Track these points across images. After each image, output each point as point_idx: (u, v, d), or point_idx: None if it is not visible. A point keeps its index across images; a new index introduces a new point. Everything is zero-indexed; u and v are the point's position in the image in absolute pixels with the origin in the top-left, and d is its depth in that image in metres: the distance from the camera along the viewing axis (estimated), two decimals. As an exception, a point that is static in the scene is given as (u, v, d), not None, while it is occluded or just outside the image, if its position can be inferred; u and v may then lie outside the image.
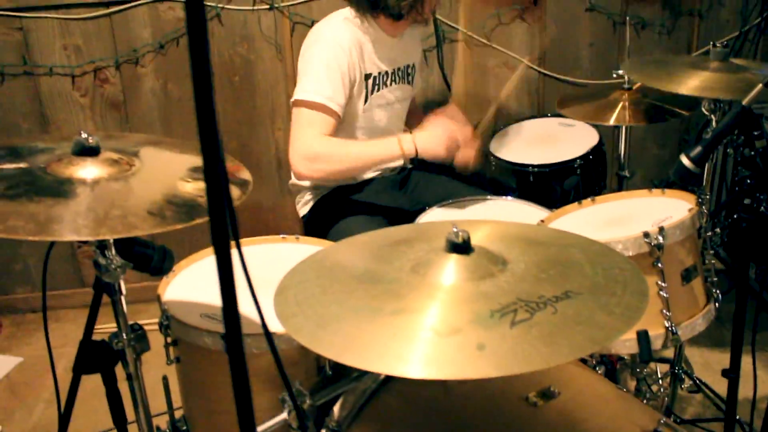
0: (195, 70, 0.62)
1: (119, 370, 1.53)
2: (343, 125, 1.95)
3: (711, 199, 1.81)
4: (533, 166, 2.30)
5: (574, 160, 2.27)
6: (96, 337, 1.53)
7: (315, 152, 1.87)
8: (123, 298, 1.33)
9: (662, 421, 1.22)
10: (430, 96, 2.90)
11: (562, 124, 2.53)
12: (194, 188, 1.27)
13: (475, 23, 2.82)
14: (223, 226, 0.67)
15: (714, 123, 1.76)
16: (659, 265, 1.49)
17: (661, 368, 2.04)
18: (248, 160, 2.85)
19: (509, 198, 2.09)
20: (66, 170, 1.17)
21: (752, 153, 1.45)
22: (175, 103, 2.86)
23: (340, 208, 2.13)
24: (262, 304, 1.64)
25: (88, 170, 1.18)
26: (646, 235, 1.48)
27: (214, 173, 0.65)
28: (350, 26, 1.97)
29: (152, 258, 1.42)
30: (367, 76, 2.01)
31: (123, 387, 1.55)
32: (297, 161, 1.88)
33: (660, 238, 1.47)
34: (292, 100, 1.96)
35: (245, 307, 1.64)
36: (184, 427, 1.70)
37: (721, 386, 2.14)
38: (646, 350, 1.50)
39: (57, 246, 3.13)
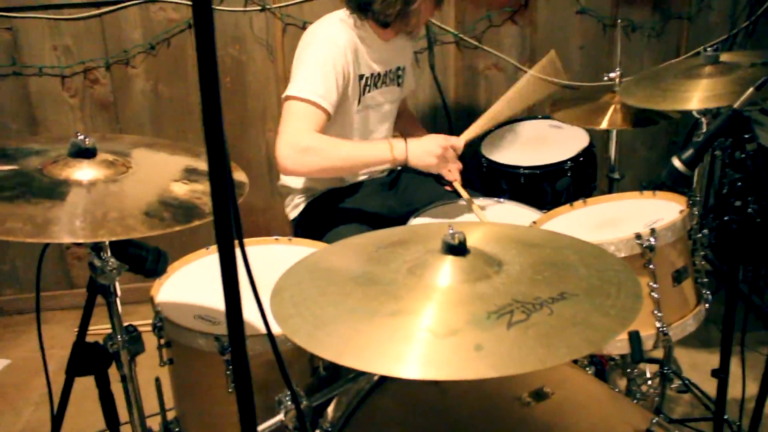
0: (202, 72, 0.63)
1: (112, 371, 1.52)
2: (336, 126, 1.95)
3: (700, 201, 1.82)
4: (524, 167, 2.31)
5: (564, 161, 2.29)
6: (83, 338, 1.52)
7: (303, 146, 1.86)
8: (118, 300, 1.33)
9: (654, 421, 1.23)
10: (422, 98, 2.91)
11: (552, 125, 2.55)
12: (188, 190, 1.27)
13: (466, 25, 2.84)
14: (227, 227, 0.67)
15: (704, 125, 1.78)
16: (651, 266, 1.51)
17: (650, 368, 2.06)
18: (239, 162, 2.79)
19: (501, 200, 2.10)
20: (62, 172, 1.16)
21: (743, 155, 1.46)
22: (165, 104, 2.85)
23: (332, 211, 2.13)
24: (265, 305, 1.65)
25: (84, 172, 1.18)
26: (638, 236, 1.49)
27: (220, 175, 0.65)
28: (345, 27, 1.98)
29: (146, 259, 1.42)
30: (361, 77, 2.02)
31: (114, 388, 1.55)
32: (284, 154, 1.86)
33: (652, 239, 1.49)
34: (283, 95, 1.96)
35: (242, 309, 1.64)
36: (177, 429, 1.70)
37: (709, 386, 2.17)
38: (637, 351, 1.51)
39: (38, 247, 3.13)
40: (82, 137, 1.19)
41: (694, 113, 1.79)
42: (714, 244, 1.87)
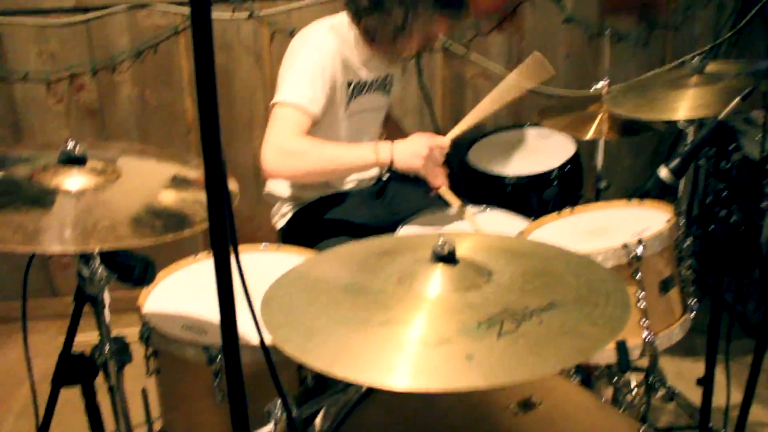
0: (199, 78, 0.63)
1: (98, 382, 1.51)
2: (323, 132, 1.94)
3: (685, 210, 1.84)
4: (510, 176, 2.32)
5: (551, 170, 2.30)
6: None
7: (288, 148, 1.85)
8: (106, 310, 1.32)
9: (641, 430, 1.24)
10: (409, 105, 2.91)
11: (538, 134, 2.56)
12: (179, 198, 1.26)
13: (453, 33, 2.85)
14: (222, 236, 0.67)
15: (690, 136, 1.80)
16: (638, 276, 1.52)
17: (636, 378, 2.07)
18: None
19: (487, 208, 2.10)
20: (52, 180, 1.16)
21: (728, 165, 1.48)
22: (152, 110, 2.84)
23: (319, 221, 2.13)
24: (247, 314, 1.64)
25: (74, 180, 1.17)
26: (626, 246, 1.51)
27: (216, 183, 0.65)
28: (335, 34, 1.98)
29: (134, 268, 1.41)
30: (349, 84, 2.02)
31: (100, 399, 1.54)
32: (269, 156, 1.85)
33: (639, 249, 1.50)
34: (271, 102, 1.95)
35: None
36: (164, 439, 1.69)
37: (693, 395, 2.18)
38: (624, 360, 1.52)
39: (25, 255, 3.09)
40: (72, 144, 1.18)
41: (680, 124, 1.81)
42: (698, 252, 1.89)
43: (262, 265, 1.82)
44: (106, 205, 1.13)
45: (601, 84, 2.17)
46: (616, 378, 1.71)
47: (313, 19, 2.13)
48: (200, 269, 1.83)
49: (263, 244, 1.92)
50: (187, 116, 2.86)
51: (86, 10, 2.70)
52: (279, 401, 1.23)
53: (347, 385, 1.47)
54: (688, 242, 1.64)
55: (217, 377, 1.47)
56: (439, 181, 2.00)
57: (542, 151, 2.47)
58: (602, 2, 2.86)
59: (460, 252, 1.20)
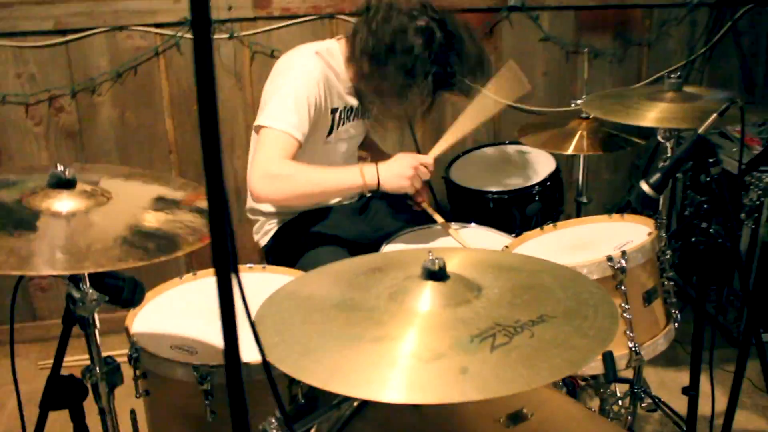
0: (201, 98, 0.64)
1: (87, 404, 1.50)
2: (304, 156, 1.95)
3: (664, 223, 1.87)
4: (492, 192, 2.35)
5: (532, 186, 2.33)
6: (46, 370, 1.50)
7: (275, 172, 1.87)
8: (97, 332, 1.31)
9: (633, 440, 1.26)
10: (389, 123, 2.93)
11: (519, 150, 2.60)
12: (168, 219, 1.27)
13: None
14: (224, 255, 0.68)
15: (669, 150, 1.84)
16: (622, 287, 1.54)
17: (620, 388, 2.09)
18: (208, 189, 2.82)
19: (471, 224, 2.12)
20: (42, 203, 1.16)
21: (708, 179, 1.52)
22: (132, 132, 2.83)
23: (303, 238, 2.14)
24: (241, 333, 1.64)
25: (64, 203, 1.17)
26: (610, 259, 1.53)
27: (218, 204, 0.66)
28: (320, 60, 2.00)
29: (123, 290, 1.41)
30: (334, 110, 2.03)
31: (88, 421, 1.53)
32: (256, 180, 1.87)
33: (623, 261, 1.53)
34: (255, 124, 1.96)
35: (218, 338, 1.63)
36: (153, 461, 1.67)
37: (677, 404, 2.21)
38: (611, 371, 1.54)
39: (6, 279, 3.06)
40: (61, 168, 1.19)
41: (659, 137, 1.84)
42: (677, 264, 1.92)
43: (249, 286, 1.82)
44: (98, 227, 1.14)
45: (580, 101, 2.21)
46: (602, 389, 1.73)
47: (293, 39, 2.15)
48: (186, 290, 1.83)
49: (249, 264, 1.92)
50: (168, 137, 2.86)
51: (65, 32, 2.69)
52: (273, 419, 1.23)
53: (339, 403, 1.47)
54: (668, 254, 1.66)
55: (207, 397, 1.47)
56: (422, 197, 2.03)
57: (523, 167, 2.50)
58: (578, 21, 2.91)
59: (450, 268, 1.21)
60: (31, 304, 3.03)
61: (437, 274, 1.19)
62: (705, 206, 1.52)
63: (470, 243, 2.01)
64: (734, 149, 2.54)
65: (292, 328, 1.15)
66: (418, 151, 2.81)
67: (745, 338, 1.77)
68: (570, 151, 2.18)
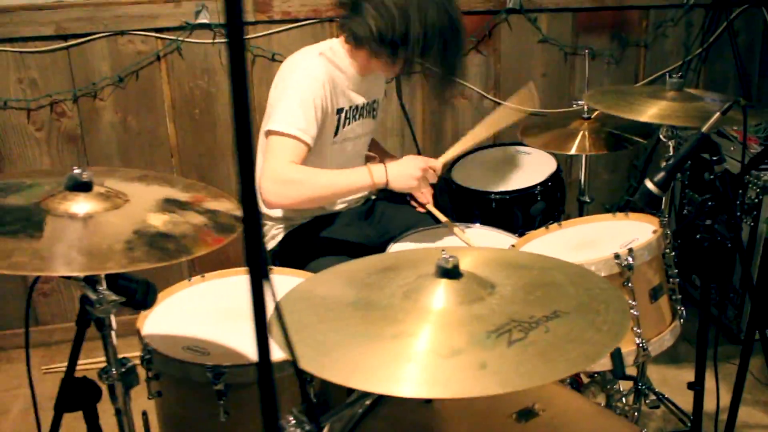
0: (235, 102, 0.65)
1: (100, 406, 1.51)
2: (311, 158, 1.97)
3: (668, 221, 1.90)
4: (495, 192, 2.37)
5: (534, 186, 2.35)
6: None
7: (285, 178, 1.88)
8: (113, 333, 1.32)
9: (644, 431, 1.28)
10: (390, 126, 2.96)
11: (520, 151, 2.62)
12: (183, 221, 1.28)
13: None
14: (257, 258, 0.69)
15: (671, 149, 1.86)
16: (629, 284, 1.57)
17: (623, 385, 2.12)
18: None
19: (476, 225, 2.14)
20: (60, 205, 1.17)
21: (711, 177, 1.54)
22: (134, 136, 2.84)
23: (311, 242, 2.15)
24: (252, 334, 1.65)
25: (82, 205, 1.19)
26: (617, 256, 1.55)
27: (251, 207, 0.68)
28: (324, 61, 2.01)
29: (136, 291, 1.42)
30: (339, 111, 2.05)
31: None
32: (267, 187, 1.89)
33: (630, 258, 1.55)
34: (264, 129, 1.98)
35: (229, 338, 1.65)
36: (166, 462, 1.69)
37: (680, 400, 2.24)
38: (619, 367, 1.56)
39: (8, 284, 3.07)
40: (78, 171, 1.20)
41: (661, 136, 1.87)
42: (677, 263, 1.94)
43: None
44: (117, 228, 1.15)
45: (582, 101, 2.24)
46: (609, 385, 1.75)
47: (294, 43, 2.16)
48: (195, 292, 1.84)
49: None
50: (169, 141, 2.87)
51: (66, 37, 2.70)
52: (290, 417, 1.24)
53: (355, 401, 1.49)
54: (673, 252, 1.69)
55: (221, 397, 1.48)
56: (425, 199, 2.05)
57: (524, 167, 2.52)
58: (576, 22, 2.94)
59: (461, 266, 1.23)
60: (33, 309, 3.03)
61: (451, 272, 1.20)
62: (709, 203, 1.54)
63: (476, 243, 2.03)
64: (732, 148, 2.57)
65: (308, 328, 1.17)
66: (419, 153, 2.85)
67: (748, 334, 1.79)
68: (573, 151, 2.20)
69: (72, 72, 2.74)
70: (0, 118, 2.75)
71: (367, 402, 1.48)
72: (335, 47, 2.07)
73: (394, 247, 2.03)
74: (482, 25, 2.89)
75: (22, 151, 2.80)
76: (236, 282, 1.87)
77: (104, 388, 1.44)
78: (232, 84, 0.67)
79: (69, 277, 1.35)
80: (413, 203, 2.27)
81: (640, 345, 1.58)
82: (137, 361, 1.57)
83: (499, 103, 2.99)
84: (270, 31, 2.78)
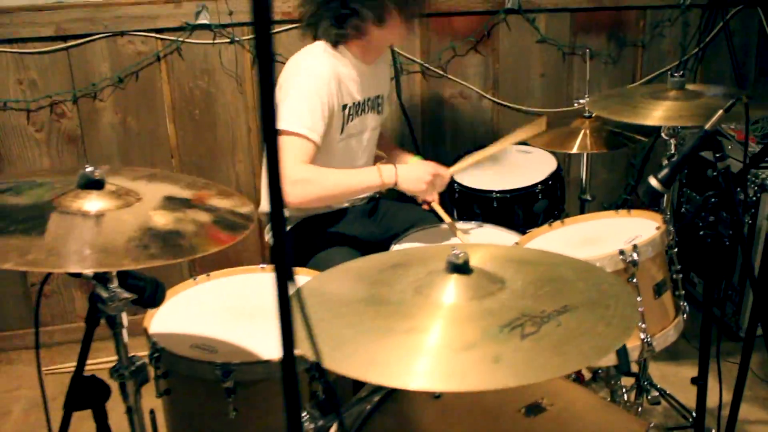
0: (263, 102, 0.66)
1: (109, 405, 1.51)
2: (320, 155, 1.99)
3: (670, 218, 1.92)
4: (496, 191, 2.38)
5: (535, 185, 2.37)
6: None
7: (295, 178, 1.90)
8: (125, 331, 1.33)
9: (652, 425, 1.29)
10: (389, 125, 2.97)
11: (520, 150, 2.63)
12: (194, 219, 1.29)
13: (431, 55, 2.92)
14: (282, 260, 0.70)
15: (672, 147, 1.88)
16: (634, 280, 1.58)
17: (626, 381, 2.13)
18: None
19: (479, 223, 2.16)
20: (73, 203, 1.17)
21: (715, 174, 1.56)
22: (134, 137, 2.84)
23: (315, 238, 2.16)
24: (260, 332, 1.67)
25: (94, 203, 1.19)
26: (622, 252, 1.57)
27: (278, 208, 0.69)
28: (329, 57, 2.03)
29: (145, 290, 1.42)
30: (344, 107, 2.07)
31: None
32: None
33: (635, 255, 1.56)
34: None
35: (237, 336, 1.66)
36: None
37: (680, 396, 2.26)
38: (624, 362, 1.58)
39: (7, 285, 3.06)
40: (90, 169, 1.21)
41: (663, 134, 1.89)
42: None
43: (264, 285, 1.84)
44: (130, 225, 1.16)
45: (583, 100, 2.26)
46: (613, 380, 1.76)
47: (295, 43, 2.16)
48: (201, 291, 1.85)
49: (261, 265, 1.94)
50: (169, 141, 2.87)
51: (66, 38, 2.70)
52: (304, 413, 1.25)
53: (360, 398, 1.50)
54: (676, 248, 1.70)
55: (230, 394, 1.49)
56: (432, 197, 2.06)
57: (524, 166, 2.54)
58: (574, 22, 2.96)
59: (472, 262, 1.24)
60: (33, 310, 3.02)
61: (461, 268, 1.22)
62: (713, 200, 1.56)
63: (478, 241, 2.05)
64: (730, 147, 2.60)
65: (321, 323, 1.17)
66: (418, 152, 2.86)
67: (750, 330, 1.81)
68: (574, 149, 2.22)
69: (72, 73, 2.74)
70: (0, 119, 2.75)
71: (376, 398, 1.50)
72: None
73: (397, 246, 2.04)
74: (481, 26, 2.91)
75: (21, 152, 2.80)
76: (242, 281, 1.88)
77: (114, 387, 1.45)
78: (260, 84, 0.68)
79: (79, 275, 1.36)
80: (419, 200, 2.29)
81: (645, 340, 1.60)
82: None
83: (497, 103, 3.01)
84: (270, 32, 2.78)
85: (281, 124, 1.92)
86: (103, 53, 2.74)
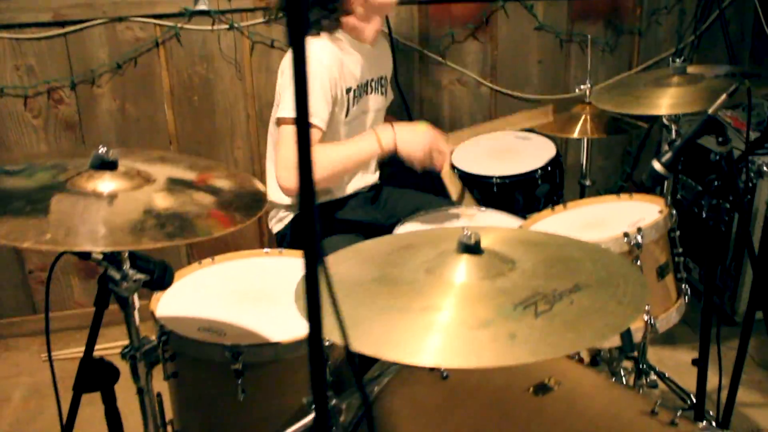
0: (297, 83, 0.67)
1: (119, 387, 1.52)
2: (325, 138, 1.99)
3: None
4: (497, 177, 2.40)
5: (535, 170, 2.38)
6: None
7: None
8: (136, 312, 1.34)
9: (658, 403, 1.31)
10: (387, 112, 2.97)
11: (518, 137, 2.65)
12: (212, 201, 1.29)
13: (430, 42, 2.93)
14: (312, 244, 0.71)
15: (674, 132, 1.90)
16: (638, 262, 1.60)
17: (624, 364, 2.16)
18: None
19: (481, 207, 2.17)
20: (87, 184, 1.18)
21: (717, 157, 1.58)
22: (132, 123, 2.84)
23: (318, 224, 2.17)
24: (266, 315, 1.67)
25: (108, 183, 1.20)
26: (626, 235, 1.59)
27: (308, 194, 0.69)
28: (329, 43, 2.03)
29: (153, 272, 1.43)
30: (348, 90, 2.07)
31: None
32: (285, 177, 1.91)
33: (639, 237, 1.58)
34: (274, 117, 1.99)
35: (244, 319, 1.67)
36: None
37: (678, 380, 2.29)
38: (628, 343, 1.60)
39: (5, 272, 3.05)
40: (103, 150, 1.21)
41: (664, 120, 1.91)
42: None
43: (269, 269, 1.85)
44: (147, 205, 1.16)
45: (584, 86, 2.27)
46: (615, 362, 1.79)
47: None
48: (206, 275, 1.85)
49: (266, 249, 1.95)
50: (168, 128, 2.86)
51: (64, 23, 2.69)
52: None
53: (368, 380, 1.51)
54: (678, 231, 1.73)
55: (239, 376, 1.50)
56: (440, 165, 2.05)
57: (523, 152, 2.55)
58: (571, 10, 2.97)
59: (482, 243, 1.26)
60: (31, 297, 3.02)
61: (473, 248, 1.23)
62: (716, 183, 1.58)
63: (481, 223, 2.06)
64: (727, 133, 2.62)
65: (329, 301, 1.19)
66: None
67: (748, 314, 1.83)
68: (575, 134, 2.23)
69: (70, 59, 2.73)
70: (-4, 106, 2.74)
71: (384, 380, 1.51)
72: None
73: (401, 229, 2.05)
74: (479, 13, 2.91)
75: (18, 139, 2.79)
76: (246, 265, 1.89)
77: (124, 369, 1.46)
78: (295, 76, 0.68)
79: (88, 257, 1.36)
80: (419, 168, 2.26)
81: (649, 322, 1.62)
82: (153, 343, 1.58)
83: (495, 90, 3.02)
84: (269, 18, 2.78)
85: (286, 111, 1.93)
86: (101, 39, 2.72)
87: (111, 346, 2.01)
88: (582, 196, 2.41)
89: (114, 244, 1.06)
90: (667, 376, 2.19)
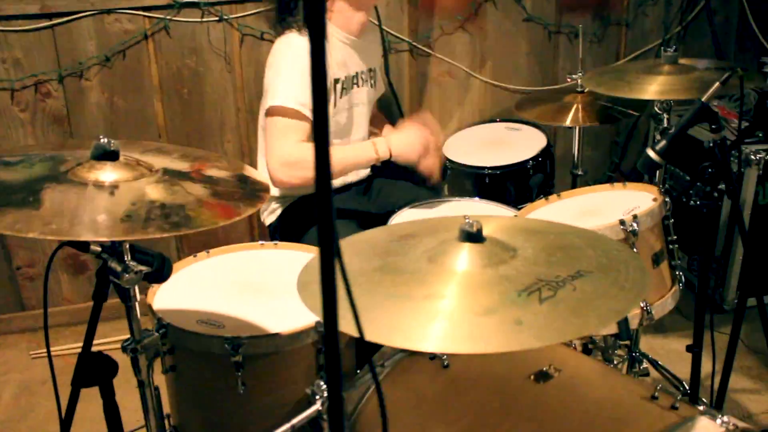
0: (315, 78, 0.66)
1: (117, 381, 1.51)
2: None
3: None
4: (488, 168, 2.41)
5: (527, 161, 2.40)
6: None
7: (294, 159, 1.90)
8: (137, 304, 1.33)
9: (659, 387, 1.33)
10: (378, 106, 2.97)
11: (508, 128, 2.66)
12: (212, 191, 1.29)
13: (419, 34, 2.93)
14: (328, 234, 0.71)
15: (665, 121, 1.92)
16: (634, 250, 1.61)
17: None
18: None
19: (475, 198, 2.18)
20: (88, 174, 1.17)
21: (711, 145, 1.59)
22: (121, 116, 2.81)
23: (309, 216, 2.17)
24: (264, 307, 1.67)
25: (109, 174, 1.19)
26: (622, 222, 1.60)
27: (325, 181, 0.69)
28: None
29: (152, 264, 1.42)
30: (336, 81, 2.07)
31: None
32: (276, 169, 1.91)
33: (635, 224, 1.60)
34: (266, 107, 1.98)
35: (242, 311, 1.67)
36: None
37: (670, 367, 2.31)
38: (624, 330, 1.61)
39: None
40: (105, 140, 1.20)
41: (656, 108, 1.92)
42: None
43: (264, 262, 1.85)
44: (149, 195, 1.16)
45: (575, 76, 2.29)
46: (610, 350, 1.80)
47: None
48: (202, 268, 1.85)
49: (261, 242, 1.95)
50: (157, 120, 2.85)
51: (51, 15, 2.66)
52: (321, 382, 1.26)
53: (370, 369, 1.52)
54: (672, 219, 1.74)
55: (239, 369, 1.50)
56: (433, 168, 2.08)
57: (514, 143, 2.56)
58: (559, 1, 2.98)
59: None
60: (19, 294, 2.99)
61: (474, 236, 1.24)
62: (709, 170, 1.60)
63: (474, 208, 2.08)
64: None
65: (339, 291, 1.19)
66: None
67: (740, 301, 1.86)
68: (567, 123, 2.25)
69: (57, 51, 2.70)
70: (-18, 99, 2.71)
71: (386, 370, 1.52)
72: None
73: (397, 220, 2.05)
74: (468, 5, 2.92)
75: (5, 133, 2.76)
76: (242, 257, 1.88)
77: (123, 362, 1.45)
78: (312, 68, 0.68)
79: (87, 249, 1.34)
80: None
81: (645, 308, 1.63)
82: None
83: (485, 82, 3.03)
84: (259, 10, 2.77)
85: (275, 100, 1.92)
86: (89, 31, 2.70)
87: (99, 342, 2.00)
88: (574, 185, 2.43)
89: (119, 234, 1.05)
90: (660, 363, 2.21)
